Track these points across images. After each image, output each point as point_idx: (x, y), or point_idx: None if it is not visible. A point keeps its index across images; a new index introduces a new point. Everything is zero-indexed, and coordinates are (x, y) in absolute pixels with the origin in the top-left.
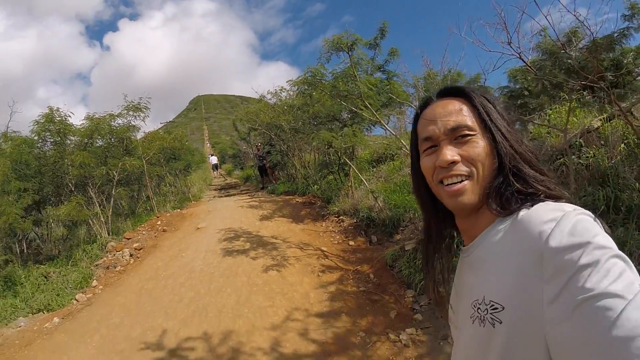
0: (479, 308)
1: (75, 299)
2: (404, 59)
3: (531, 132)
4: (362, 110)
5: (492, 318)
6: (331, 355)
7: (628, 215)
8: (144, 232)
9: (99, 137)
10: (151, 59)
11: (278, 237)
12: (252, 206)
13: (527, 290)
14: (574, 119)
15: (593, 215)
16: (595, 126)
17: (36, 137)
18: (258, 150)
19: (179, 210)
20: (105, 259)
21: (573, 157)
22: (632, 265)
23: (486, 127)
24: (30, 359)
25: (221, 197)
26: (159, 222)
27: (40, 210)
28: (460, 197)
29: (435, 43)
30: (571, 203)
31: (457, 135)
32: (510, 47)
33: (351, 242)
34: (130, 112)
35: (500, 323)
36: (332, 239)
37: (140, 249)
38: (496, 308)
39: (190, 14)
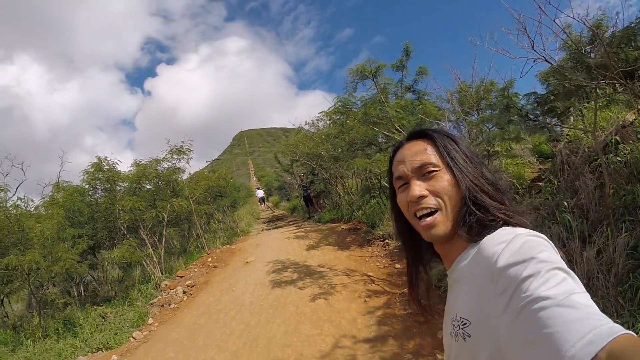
0: (453, 324)
1: (133, 337)
2: (435, 75)
3: (568, 135)
4: (394, 133)
5: (463, 333)
6: None
7: None
8: (195, 270)
9: (147, 181)
10: (191, 99)
11: (325, 265)
12: (298, 237)
13: (486, 305)
14: (610, 114)
15: (545, 237)
16: (630, 120)
17: (87, 186)
18: (302, 180)
19: (228, 245)
20: (159, 297)
21: (610, 155)
22: (576, 277)
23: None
24: None
25: (269, 229)
26: (209, 259)
27: (95, 254)
28: (433, 229)
29: (463, 55)
30: (529, 229)
31: (424, 172)
32: (535, 50)
33: (397, 265)
34: (174, 156)
35: (470, 337)
36: (378, 264)
37: (193, 285)
38: (465, 323)
39: (224, 53)
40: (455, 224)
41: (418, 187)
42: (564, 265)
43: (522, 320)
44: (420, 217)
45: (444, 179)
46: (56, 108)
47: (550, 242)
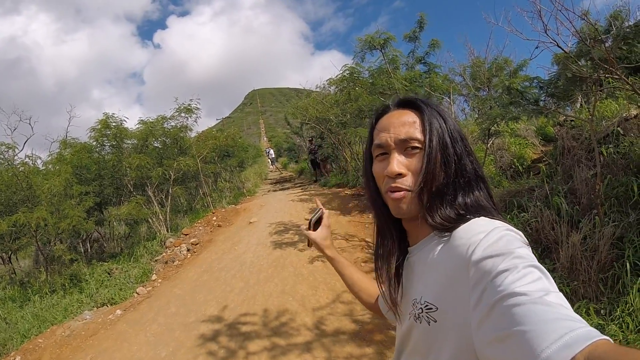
0: (415, 305)
1: (137, 292)
2: (450, 48)
3: (572, 121)
4: None
5: (427, 317)
6: (369, 333)
7: None
8: (200, 228)
9: (154, 139)
10: (202, 54)
11: None
12: (302, 200)
13: (457, 295)
14: (616, 106)
15: (521, 234)
16: (634, 114)
17: (94, 143)
18: (311, 143)
19: (233, 205)
20: (164, 254)
21: (610, 146)
22: (550, 277)
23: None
24: (95, 347)
25: (275, 191)
26: (214, 218)
27: (102, 211)
28: (400, 204)
29: (479, 32)
30: (502, 221)
31: (407, 147)
32: (547, 34)
33: None
34: (182, 114)
35: (435, 322)
36: None
37: (197, 244)
38: (430, 308)
39: (239, 6)
40: (423, 208)
41: (397, 163)
42: (539, 264)
43: (495, 315)
44: (392, 192)
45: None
46: (64, 60)
47: (526, 240)
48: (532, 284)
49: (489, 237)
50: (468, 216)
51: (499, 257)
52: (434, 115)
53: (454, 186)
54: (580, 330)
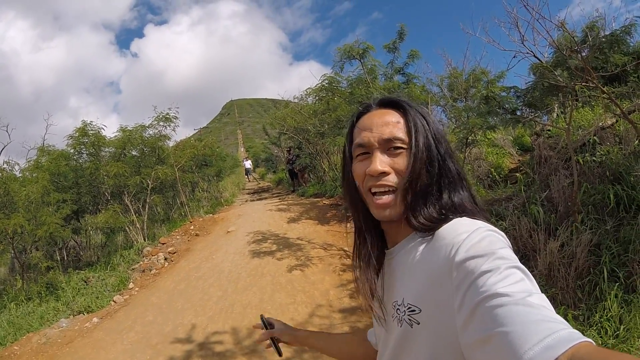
0: (398, 309)
1: (113, 301)
2: (428, 59)
3: (549, 131)
4: None
5: (409, 319)
6: None
7: (638, 214)
8: (178, 237)
9: (132, 147)
10: (180, 63)
11: (304, 238)
12: (280, 209)
13: (440, 296)
14: (592, 115)
15: (504, 235)
16: (609, 123)
17: (72, 150)
18: (289, 153)
19: (211, 215)
20: (141, 263)
21: (586, 154)
22: (533, 278)
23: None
24: (71, 355)
25: (253, 200)
26: (192, 227)
27: (79, 219)
28: (387, 209)
29: (457, 43)
30: (485, 222)
31: (390, 147)
32: (524, 45)
33: None
34: (161, 123)
35: (418, 324)
36: None
37: (174, 252)
38: (414, 310)
39: (217, 16)
40: (406, 209)
41: (381, 163)
42: (522, 265)
43: (478, 316)
44: (375, 194)
45: (409, 160)
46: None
47: (508, 241)
48: (515, 285)
49: (472, 237)
50: (450, 216)
51: (482, 257)
52: (417, 116)
53: (437, 187)
54: (562, 332)
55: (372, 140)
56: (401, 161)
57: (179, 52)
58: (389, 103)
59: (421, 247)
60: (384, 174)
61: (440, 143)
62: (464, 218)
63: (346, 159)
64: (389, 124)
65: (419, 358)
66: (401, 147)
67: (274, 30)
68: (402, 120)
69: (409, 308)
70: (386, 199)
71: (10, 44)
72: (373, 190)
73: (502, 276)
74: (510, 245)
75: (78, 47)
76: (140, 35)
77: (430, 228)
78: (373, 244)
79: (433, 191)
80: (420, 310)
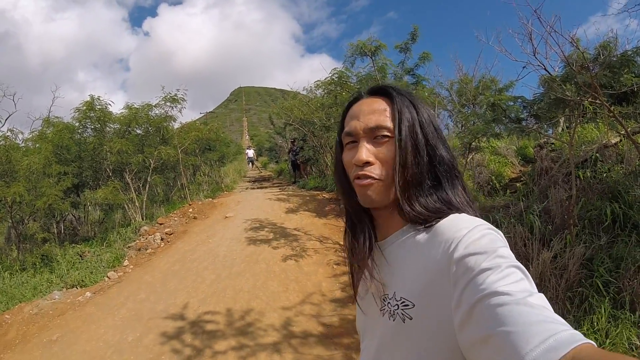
0: (389, 302)
1: (107, 277)
2: (439, 62)
3: (553, 144)
4: None
5: (402, 313)
6: (338, 336)
7: (633, 232)
8: (176, 219)
9: (137, 125)
10: (191, 45)
11: (300, 229)
12: (280, 199)
13: (437, 292)
14: (597, 132)
15: (502, 234)
16: (613, 142)
17: (77, 124)
18: (293, 145)
19: (210, 199)
20: (137, 241)
21: (587, 170)
22: (531, 279)
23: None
24: (62, 327)
25: (253, 188)
26: (190, 210)
27: (78, 193)
28: (368, 191)
29: (470, 49)
30: (479, 218)
31: (376, 135)
32: (535, 57)
33: None
34: (168, 103)
35: (411, 319)
36: None
37: (171, 233)
38: (407, 305)
39: (232, 1)
40: (396, 198)
41: (366, 152)
42: (521, 265)
43: (477, 314)
44: (360, 177)
45: (394, 149)
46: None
47: (506, 240)
48: (515, 284)
49: (472, 234)
50: (447, 210)
51: (482, 255)
52: (405, 104)
53: (432, 175)
54: (564, 333)
55: (358, 128)
56: (386, 150)
57: (191, 34)
58: (378, 91)
59: (416, 241)
60: (368, 163)
61: (428, 131)
62: (463, 214)
63: (337, 147)
64: (376, 111)
65: (409, 352)
66: (387, 136)
67: (288, 20)
68: (388, 108)
69: (402, 302)
70: (367, 182)
71: (22, 12)
72: (357, 176)
73: (502, 275)
74: (508, 245)
75: (90, 22)
76: (154, 14)
77: (425, 219)
78: (364, 235)
79: (427, 180)
80: (414, 305)
